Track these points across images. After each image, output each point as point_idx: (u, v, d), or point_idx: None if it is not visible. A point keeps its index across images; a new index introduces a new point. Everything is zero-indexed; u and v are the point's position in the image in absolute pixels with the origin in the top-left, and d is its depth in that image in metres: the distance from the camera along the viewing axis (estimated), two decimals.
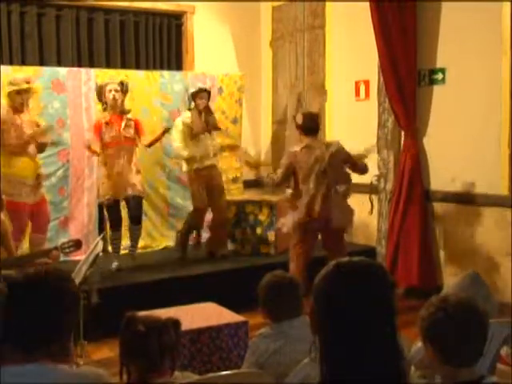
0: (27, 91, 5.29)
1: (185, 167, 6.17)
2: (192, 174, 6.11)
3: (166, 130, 5.94)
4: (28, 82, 5.35)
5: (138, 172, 5.84)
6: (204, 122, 6.05)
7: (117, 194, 5.67)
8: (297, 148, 5.15)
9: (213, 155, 6.17)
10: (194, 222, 6.25)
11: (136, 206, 5.81)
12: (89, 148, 5.71)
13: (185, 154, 6.02)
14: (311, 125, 5.22)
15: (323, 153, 5.10)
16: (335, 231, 5.19)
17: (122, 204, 5.84)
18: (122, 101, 5.72)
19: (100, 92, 5.72)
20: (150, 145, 5.94)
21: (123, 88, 5.72)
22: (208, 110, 6.13)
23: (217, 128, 6.27)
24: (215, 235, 6.35)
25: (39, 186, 5.36)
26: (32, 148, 5.26)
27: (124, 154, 5.68)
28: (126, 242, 6.03)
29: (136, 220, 5.85)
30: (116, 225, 5.78)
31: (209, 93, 6.17)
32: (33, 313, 1.73)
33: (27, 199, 5.18)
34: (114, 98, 5.63)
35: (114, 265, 5.74)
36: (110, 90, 5.64)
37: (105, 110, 5.76)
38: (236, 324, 3.88)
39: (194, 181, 6.11)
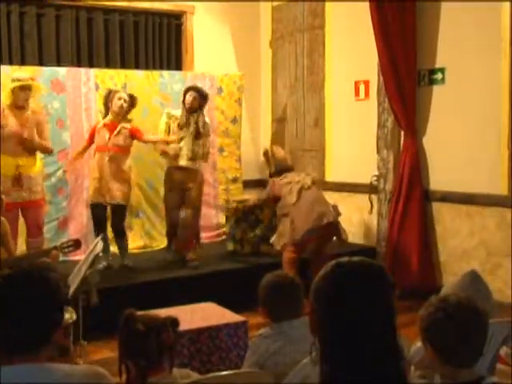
0: (31, 88, 5.29)
1: (165, 162, 6.15)
2: (167, 172, 6.08)
3: (170, 142, 5.92)
4: (32, 79, 5.38)
5: (125, 181, 5.77)
6: (192, 122, 5.93)
7: (99, 198, 5.69)
8: (276, 179, 5.86)
9: (190, 158, 5.95)
10: (168, 224, 6.21)
11: (117, 217, 5.84)
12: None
13: (172, 137, 5.93)
14: (285, 166, 5.96)
15: (304, 177, 5.76)
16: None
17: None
18: (126, 112, 5.74)
19: (108, 97, 5.73)
20: (147, 141, 5.95)
21: (132, 101, 5.76)
22: (200, 113, 5.97)
23: (199, 133, 5.97)
24: (180, 240, 6.14)
25: (20, 186, 5.21)
26: (14, 145, 5.19)
27: (110, 160, 5.65)
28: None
29: (118, 233, 5.88)
30: (99, 227, 5.76)
31: (200, 95, 5.96)
32: (15, 310, 1.69)
33: (7, 198, 5.11)
34: (122, 107, 5.66)
35: (102, 264, 5.70)
36: (120, 98, 5.67)
37: (105, 116, 5.78)
38: (235, 324, 3.88)
39: (167, 181, 6.09)
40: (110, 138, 5.63)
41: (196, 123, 5.94)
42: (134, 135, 5.76)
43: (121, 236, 5.90)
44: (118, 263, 5.89)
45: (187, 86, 6.15)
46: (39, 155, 5.54)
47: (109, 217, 5.92)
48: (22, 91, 5.23)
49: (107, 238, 5.86)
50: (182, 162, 5.95)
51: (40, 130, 5.39)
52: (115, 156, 5.67)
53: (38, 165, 5.46)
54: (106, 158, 5.64)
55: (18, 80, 5.24)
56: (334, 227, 5.59)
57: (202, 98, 6.00)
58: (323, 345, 1.56)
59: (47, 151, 5.55)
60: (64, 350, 3.78)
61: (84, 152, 5.89)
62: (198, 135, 5.96)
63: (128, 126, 5.74)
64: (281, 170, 5.92)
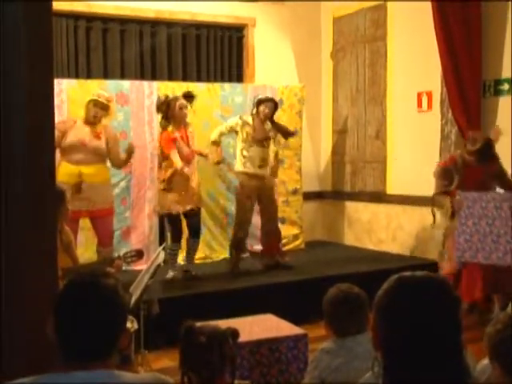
0: (104, 108, 5.44)
1: (238, 168, 6.15)
2: (242, 181, 6.11)
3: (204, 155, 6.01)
4: (109, 101, 5.54)
5: (198, 184, 5.94)
6: (271, 129, 6.12)
7: (182, 207, 5.73)
8: None
9: (263, 166, 6.13)
10: (239, 233, 6.19)
11: (196, 220, 5.92)
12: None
13: (212, 136, 6.12)
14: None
15: None
16: None
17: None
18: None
19: (165, 105, 5.67)
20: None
21: (190, 101, 5.79)
22: (272, 120, 6.14)
23: (290, 133, 6.36)
24: (267, 246, 6.33)
25: (81, 191, 5.33)
26: (78, 154, 5.35)
27: (192, 166, 5.80)
28: (182, 254, 6.13)
29: (197, 233, 5.96)
30: (178, 237, 5.89)
31: (275, 104, 6.18)
32: (76, 317, 1.70)
33: (71, 206, 5.24)
34: (186, 115, 5.74)
35: (170, 274, 5.81)
36: (181, 108, 5.66)
37: (164, 123, 5.75)
38: (295, 336, 3.85)
39: (243, 188, 6.11)
40: (191, 147, 5.77)
41: (277, 128, 6.17)
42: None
43: (198, 237, 6.00)
44: (183, 273, 5.94)
45: (259, 97, 6.19)
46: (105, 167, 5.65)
47: None
48: (94, 107, 5.40)
49: (179, 248, 5.96)
50: (253, 169, 6.07)
51: (111, 149, 5.56)
52: (192, 162, 5.83)
53: (105, 174, 5.59)
54: (192, 166, 5.78)
55: (95, 95, 5.43)
56: None
57: (276, 107, 6.20)
58: (386, 360, 1.53)
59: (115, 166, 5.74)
60: (126, 358, 3.83)
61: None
62: (268, 143, 6.17)
63: (192, 130, 5.87)
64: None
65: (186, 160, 5.68)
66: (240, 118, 6.16)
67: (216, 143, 6.20)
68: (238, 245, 6.20)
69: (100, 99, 5.44)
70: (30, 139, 2.34)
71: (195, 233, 5.95)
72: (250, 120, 6.10)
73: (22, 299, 2.29)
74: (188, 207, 5.75)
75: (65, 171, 5.27)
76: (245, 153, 6.07)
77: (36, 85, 2.34)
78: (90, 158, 5.42)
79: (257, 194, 6.14)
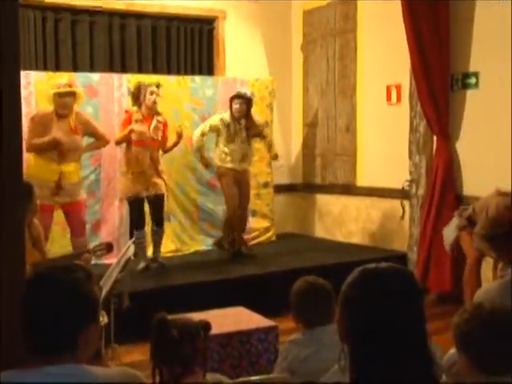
0: (69, 94, 5.35)
1: (218, 163, 6.22)
2: (223, 171, 6.18)
3: (180, 136, 5.91)
4: (70, 86, 5.44)
5: (162, 173, 5.90)
6: (243, 128, 6.15)
7: (139, 191, 5.73)
8: None
9: (244, 161, 6.27)
10: (229, 224, 6.32)
11: (158, 207, 5.90)
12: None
13: (195, 142, 6.17)
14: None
15: None
16: None
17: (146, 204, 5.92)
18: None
19: (139, 92, 5.72)
20: (167, 151, 6.00)
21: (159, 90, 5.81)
22: (248, 118, 6.20)
23: (260, 135, 6.40)
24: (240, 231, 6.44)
25: (61, 189, 5.32)
26: (58, 153, 5.30)
27: (149, 153, 5.74)
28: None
29: (158, 222, 5.94)
30: (139, 223, 5.84)
31: (246, 100, 6.18)
32: (40, 311, 1.69)
33: (47, 201, 5.22)
34: (155, 102, 5.71)
35: (141, 265, 5.81)
36: (152, 93, 5.69)
37: (137, 110, 5.76)
38: (266, 329, 3.87)
39: (224, 177, 6.19)
40: (148, 132, 5.69)
41: (247, 129, 6.18)
42: (164, 131, 5.86)
43: (161, 225, 5.98)
44: (154, 263, 5.97)
45: (231, 94, 6.23)
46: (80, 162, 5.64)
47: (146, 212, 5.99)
48: (60, 98, 5.30)
49: (145, 236, 5.93)
50: (234, 165, 6.16)
51: (91, 130, 5.58)
52: (154, 149, 5.78)
53: (80, 172, 5.59)
54: (147, 152, 5.72)
55: (57, 87, 5.35)
56: None
57: (248, 102, 6.20)
58: (352, 352, 1.55)
59: (104, 145, 5.78)
60: (96, 352, 3.81)
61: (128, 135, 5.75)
62: (250, 140, 6.23)
63: (161, 119, 5.82)
64: None
65: (138, 143, 5.67)
66: (220, 118, 6.16)
67: (200, 149, 6.19)
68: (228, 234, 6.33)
69: (62, 89, 5.33)
70: None
71: (157, 222, 5.94)
72: (227, 117, 6.13)
73: None
74: (144, 192, 5.74)
75: (46, 168, 5.26)
76: (225, 149, 6.15)
77: (3, 77, 2.31)
78: (70, 156, 5.37)
79: (236, 183, 6.23)
